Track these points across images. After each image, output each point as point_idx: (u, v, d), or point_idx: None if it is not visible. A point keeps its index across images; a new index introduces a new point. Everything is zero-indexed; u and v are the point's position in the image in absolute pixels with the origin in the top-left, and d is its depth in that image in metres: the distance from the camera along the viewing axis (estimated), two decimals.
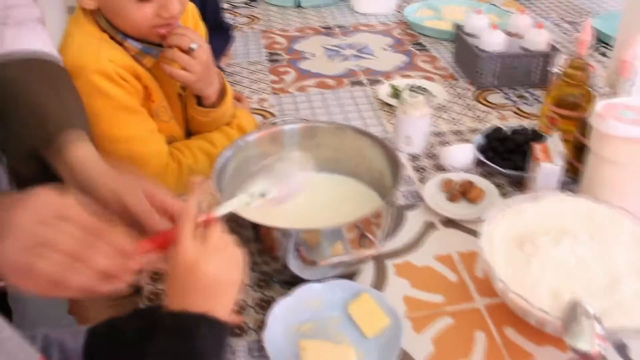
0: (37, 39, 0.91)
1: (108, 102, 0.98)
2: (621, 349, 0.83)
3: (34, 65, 0.87)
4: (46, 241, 0.59)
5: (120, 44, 1.01)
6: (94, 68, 0.96)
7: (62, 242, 0.59)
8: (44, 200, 0.61)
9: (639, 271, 0.84)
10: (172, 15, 0.98)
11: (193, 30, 1.05)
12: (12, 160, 0.90)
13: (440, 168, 1.22)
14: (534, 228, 0.90)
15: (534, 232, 0.89)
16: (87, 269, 0.60)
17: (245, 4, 2.36)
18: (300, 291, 0.86)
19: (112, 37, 1.01)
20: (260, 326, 0.84)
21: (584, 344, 0.73)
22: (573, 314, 0.75)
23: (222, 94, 1.14)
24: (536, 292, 0.80)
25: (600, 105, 0.99)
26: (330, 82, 1.64)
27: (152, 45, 1.03)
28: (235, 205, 0.74)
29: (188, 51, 1.01)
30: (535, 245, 0.86)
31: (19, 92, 0.83)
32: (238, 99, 1.31)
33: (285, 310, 0.84)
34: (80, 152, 0.81)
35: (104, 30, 1.01)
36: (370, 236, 0.84)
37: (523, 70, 1.56)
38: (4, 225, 0.59)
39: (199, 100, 1.12)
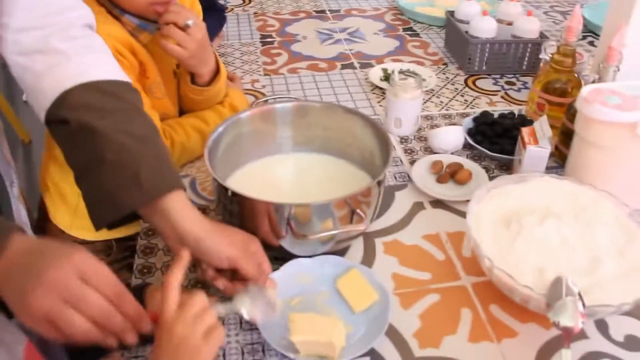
0: (98, 60, 0.83)
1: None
2: (602, 325, 0.86)
3: (107, 101, 0.78)
4: (82, 298, 0.61)
5: (118, 19, 1.01)
6: None
7: (93, 303, 0.61)
8: (80, 257, 0.63)
9: (619, 251, 0.86)
10: None
11: (189, 8, 1.06)
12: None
13: (430, 150, 1.24)
14: (520, 208, 0.92)
15: (519, 212, 0.91)
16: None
17: None
18: (289, 266, 0.88)
19: (109, 12, 1.00)
20: None
21: (568, 320, 0.75)
22: (557, 291, 0.78)
23: (216, 73, 1.15)
24: (521, 269, 0.82)
25: (586, 90, 1.01)
26: (322, 64, 1.65)
27: (149, 22, 1.03)
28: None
29: (184, 28, 1.02)
30: (521, 224, 0.88)
31: (102, 141, 0.75)
32: (231, 78, 1.32)
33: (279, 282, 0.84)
34: (179, 209, 0.77)
35: (102, 5, 1.00)
36: (359, 213, 0.86)
37: (512, 57, 1.58)
38: (33, 274, 0.60)
39: (193, 79, 1.13)
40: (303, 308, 0.84)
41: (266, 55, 1.70)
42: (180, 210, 0.77)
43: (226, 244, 0.77)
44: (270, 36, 1.84)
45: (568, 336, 0.74)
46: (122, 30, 1.00)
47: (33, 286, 0.59)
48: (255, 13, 2.05)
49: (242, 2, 2.17)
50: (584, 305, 0.76)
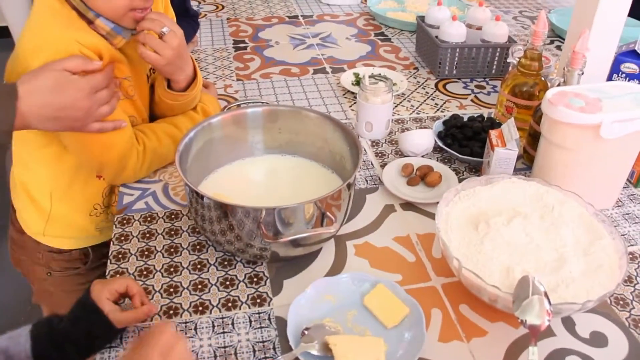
0: None
1: None
2: (568, 323, 0.88)
3: None
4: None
5: (91, 22, 0.99)
6: (59, 48, 0.93)
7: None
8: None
9: (584, 250, 0.88)
10: None
11: (166, 16, 1.05)
12: None
13: (400, 154, 1.25)
14: (488, 209, 0.94)
15: (487, 213, 0.93)
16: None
17: None
18: (313, 287, 0.86)
19: (82, 15, 0.98)
20: (224, 304, 0.86)
21: (534, 318, 0.77)
22: (524, 290, 0.79)
23: (192, 80, 1.14)
24: (488, 269, 0.84)
25: (551, 93, 1.03)
26: (295, 69, 1.66)
27: (122, 27, 1.02)
28: None
29: (160, 35, 1.02)
30: (489, 225, 0.90)
31: None
32: (206, 85, 1.32)
33: (301, 308, 0.84)
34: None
35: (74, 8, 0.98)
36: (329, 215, 0.87)
37: (482, 61, 1.61)
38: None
39: (169, 84, 1.12)
40: (335, 329, 0.82)
41: (239, 60, 1.70)
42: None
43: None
44: (243, 41, 1.84)
45: (535, 334, 0.76)
46: (92, 35, 0.98)
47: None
48: (228, 19, 2.05)
49: (215, 7, 2.17)
50: (549, 303, 0.77)
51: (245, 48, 1.79)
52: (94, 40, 0.98)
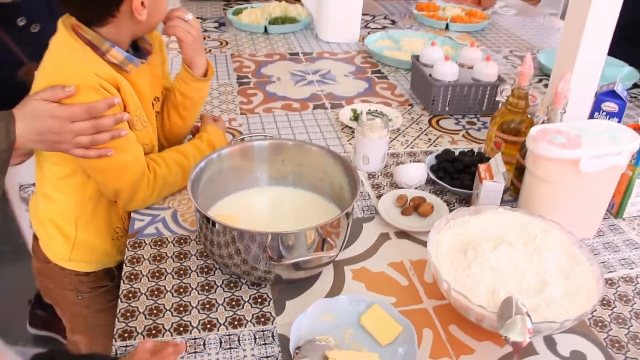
0: None
1: None
2: (550, 343, 0.94)
3: None
4: None
5: (104, 54, 1.07)
6: (80, 83, 1.01)
7: None
8: None
9: (564, 274, 0.95)
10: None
11: (185, 10, 1.24)
12: None
13: (395, 185, 1.33)
14: (475, 237, 1.02)
15: (475, 240, 1.00)
16: None
17: (216, 28, 2.47)
18: (314, 307, 0.93)
19: (94, 49, 1.07)
20: (231, 322, 0.93)
21: (517, 336, 0.84)
22: (508, 310, 0.86)
23: (207, 73, 1.32)
24: (475, 291, 0.91)
25: (534, 130, 1.11)
26: (295, 104, 1.74)
27: (134, 55, 1.12)
28: None
29: (186, 20, 1.22)
30: (476, 251, 0.97)
31: None
32: (215, 119, 1.41)
33: (302, 326, 0.90)
34: None
35: (88, 44, 1.06)
36: (330, 240, 0.94)
37: (473, 99, 1.70)
38: None
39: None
40: (334, 345, 0.88)
41: (243, 95, 1.79)
42: None
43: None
44: (247, 77, 1.94)
45: (517, 350, 0.83)
46: (107, 67, 1.06)
47: None
48: (232, 55, 2.15)
49: (219, 44, 2.27)
50: (531, 322, 0.84)
51: (248, 83, 1.88)
52: (109, 72, 1.06)
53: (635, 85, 2.08)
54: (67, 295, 1.31)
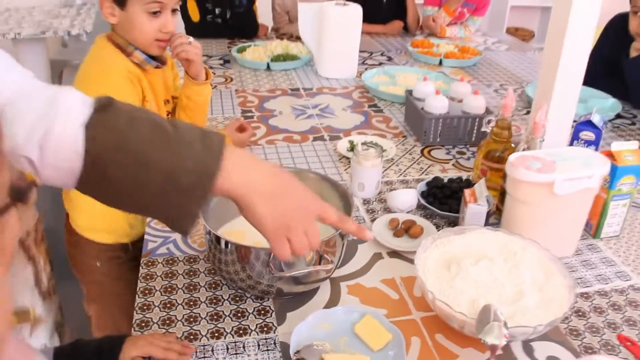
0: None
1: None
2: (528, 349, 1.03)
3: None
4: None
5: (129, 55, 1.46)
6: (115, 71, 1.42)
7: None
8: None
9: (540, 287, 1.05)
10: (169, 30, 1.48)
11: (186, 36, 1.56)
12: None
13: (388, 210, 1.43)
14: (459, 254, 1.12)
15: (458, 257, 1.10)
16: None
17: (221, 65, 2.60)
18: (312, 317, 1.02)
19: (123, 50, 1.45)
20: (236, 331, 1.03)
21: (494, 339, 0.93)
22: (486, 316, 0.96)
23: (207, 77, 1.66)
24: (458, 301, 1.01)
25: (513, 157, 1.22)
26: (296, 137, 1.86)
27: (151, 58, 1.49)
28: None
29: (189, 43, 1.54)
30: (459, 266, 1.07)
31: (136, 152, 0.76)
32: (243, 128, 1.74)
33: (301, 334, 0.99)
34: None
35: (118, 46, 1.46)
36: (326, 257, 1.04)
37: (462, 130, 1.81)
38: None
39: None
40: (330, 350, 0.97)
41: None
42: (230, 185, 0.81)
43: (261, 221, 0.84)
44: (250, 111, 2.06)
45: (494, 351, 0.92)
46: (131, 64, 1.46)
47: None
48: (236, 90, 2.28)
49: (224, 80, 2.40)
50: (507, 327, 0.94)
51: (252, 117, 2.00)
52: (134, 68, 1.46)
53: (618, 116, 2.19)
54: (89, 263, 1.58)
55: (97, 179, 0.74)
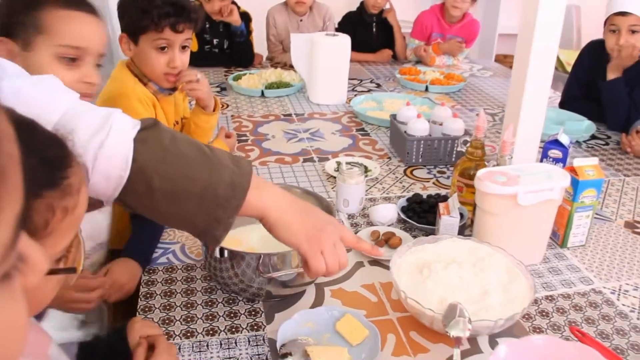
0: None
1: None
2: (494, 344, 1.14)
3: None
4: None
5: (145, 84, 1.66)
6: (133, 95, 1.59)
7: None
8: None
9: (503, 287, 1.16)
10: (176, 66, 1.63)
11: (195, 70, 1.72)
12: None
13: (371, 224, 1.55)
14: (431, 259, 1.23)
15: (430, 261, 1.22)
16: None
17: (218, 92, 2.74)
18: (298, 316, 1.13)
19: (140, 80, 1.65)
20: (229, 329, 1.14)
21: (458, 332, 1.04)
22: (452, 312, 1.07)
23: (215, 108, 1.85)
24: (428, 300, 1.12)
25: (481, 172, 1.34)
26: (287, 158, 1.98)
27: (163, 88, 1.69)
28: None
29: (197, 80, 1.71)
30: (430, 269, 1.19)
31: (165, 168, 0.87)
32: (228, 135, 1.92)
33: (287, 331, 1.10)
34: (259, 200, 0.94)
35: (135, 76, 1.65)
36: None
37: (443, 151, 1.94)
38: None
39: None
40: (313, 344, 1.08)
41: (241, 150, 2.03)
42: (259, 200, 0.93)
43: (297, 235, 0.96)
44: (245, 135, 2.19)
45: (458, 342, 1.03)
46: (149, 92, 1.65)
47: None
48: (232, 116, 2.41)
49: (221, 106, 2.53)
50: (470, 322, 1.05)
51: (246, 140, 2.13)
52: (149, 94, 1.66)
53: (593, 137, 2.32)
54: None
55: (142, 188, 0.85)
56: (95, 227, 1.31)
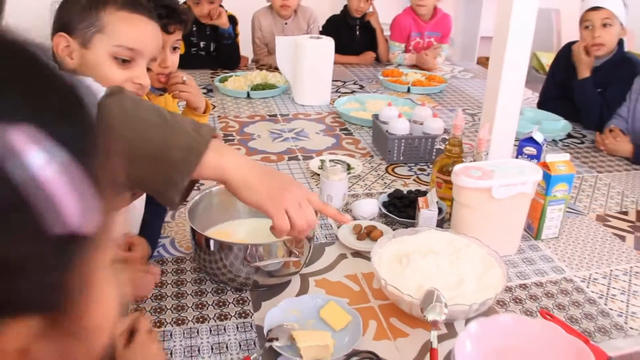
0: None
1: None
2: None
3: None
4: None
5: None
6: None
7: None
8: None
9: (478, 276, 1.23)
10: (167, 66, 1.70)
11: (182, 72, 1.75)
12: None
13: (354, 218, 1.61)
14: (410, 250, 1.30)
15: (409, 252, 1.28)
16: None
17: (205, 94, 2.78)
18: (284, 304, 1.19)
19: None
20: (219, 316, 1.19)
21: (435, 316, 1.11)
22: (429, 298, 1.14)
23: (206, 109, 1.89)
24: (407, 287, 1.18)
25: (457, 168, 1.41)
26: (273, 157, 2.04)
27: (155, 88, 1.73)
28: None
29: (184, 82, 1.74)
30: (409, 259, 1.25)
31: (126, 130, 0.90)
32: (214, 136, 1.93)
33: (273, 318, 1.16)
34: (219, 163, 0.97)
35: None
36: (295, 251, 1.22)
37: (423, 149, 2.01)
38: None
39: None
40: (298, 329, 1.13)
41: None
42: (219, 163, 0.96)
43: (259, 194, 0.99)
44: (232, 135, 2.24)
45: (435, 325, 1.09)
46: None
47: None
48: (219, 116, 2.46)
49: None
50: (447, 306, 1.12)
51: (233, 140, 2.19)
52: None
53: (569, 135, 2.40)
54: None
55: None
56: (129, 218, 1.34)
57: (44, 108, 0.36)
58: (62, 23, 1.25)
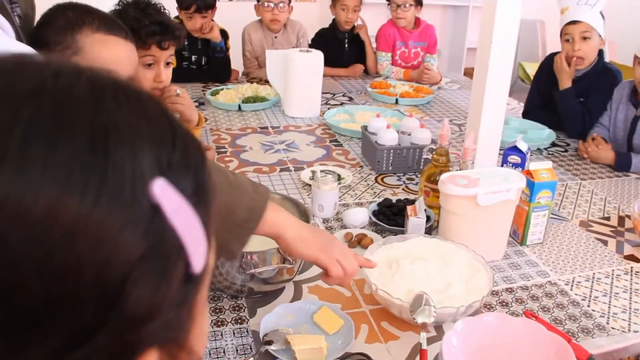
0: None
1: None
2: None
3: None
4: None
5: None
6: None
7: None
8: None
9: (465, 280, 1.28)
10: (162, 81, 1.77)
11: (175, 86, 1.82)
12: None
13: (344, 227, 1.66)
14: (399, 256, 1.34)
15: (398, 258, 1.33)
16: None
17: (196, 107, 2.83)
18: (279, 309, 1.24)
19: None
20: (216, 323, 1.23)
21: (424, 318, 1.15)
22: (418, 301, 1.18)
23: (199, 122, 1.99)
24: (396, 291, 1.23)
25: (444, 176, 1.46)
26: (265, 168, 2.09)
27: None
28: None
29: (177, 95, 1.82)
30: (398, 264, 1.30)
31: None
32: (207, 149, 1.99)
33: (269, 323, 1.20)
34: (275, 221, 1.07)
35: None
36: (289, 259, 1.26)
37: (411, 159, 2.06)
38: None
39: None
40: (293, 334, 1.18)
41: (221, 162, 2.13)
42: (276, 221, 1.06)
43: (314, 249, 1.10)
44: (224, 147, 2.29)
45: (424, 327, 1.14)
46: None
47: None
48: (211, 129, 2.51)
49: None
50: (435, 309, 1.16)
51: (225, 152, 2.23)
52: None
53: (553, 144, 2.47)
54: None
55: None
56: None
57: (173, 160, 0.39)
58: (40, 43, 1.25)
